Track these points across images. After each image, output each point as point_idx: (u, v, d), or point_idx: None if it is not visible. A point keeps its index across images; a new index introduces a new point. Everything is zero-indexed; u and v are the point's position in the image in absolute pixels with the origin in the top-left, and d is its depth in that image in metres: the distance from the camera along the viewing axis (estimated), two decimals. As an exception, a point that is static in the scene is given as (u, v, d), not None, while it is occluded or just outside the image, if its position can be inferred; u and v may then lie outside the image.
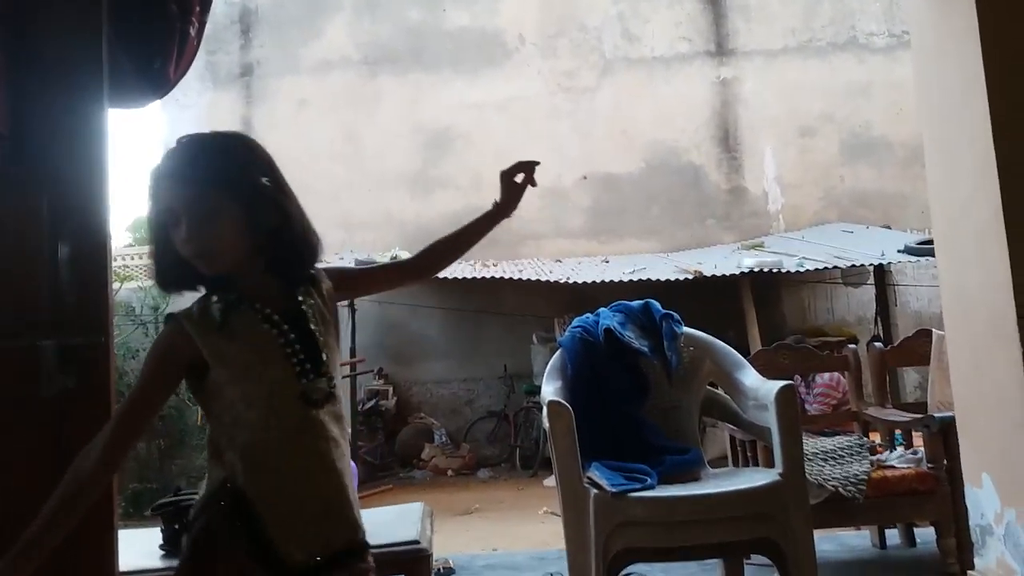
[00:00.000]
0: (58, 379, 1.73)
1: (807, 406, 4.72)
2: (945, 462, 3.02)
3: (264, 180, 1.34)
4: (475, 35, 9.03)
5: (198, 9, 2.02)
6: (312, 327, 1.40)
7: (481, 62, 8.98)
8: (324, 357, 1.39)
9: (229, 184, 1.31)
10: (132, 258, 8.76)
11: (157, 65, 1.95)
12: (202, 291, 1.39)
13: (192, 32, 2.01)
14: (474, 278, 7.21)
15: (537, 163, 1.60)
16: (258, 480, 1.33)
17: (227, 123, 8.71)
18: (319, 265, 1.46)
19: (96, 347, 1.75)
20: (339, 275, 1.53)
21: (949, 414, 2.88)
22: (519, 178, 1.61)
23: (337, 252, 7.49)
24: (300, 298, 1.42)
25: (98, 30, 1.81)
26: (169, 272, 1.36)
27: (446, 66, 8.95)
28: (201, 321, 1.36)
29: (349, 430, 1.42)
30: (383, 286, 1.72)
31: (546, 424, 2.69)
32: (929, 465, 3.07)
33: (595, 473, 2.61)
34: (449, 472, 7.80)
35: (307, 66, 8.95)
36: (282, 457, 1.35)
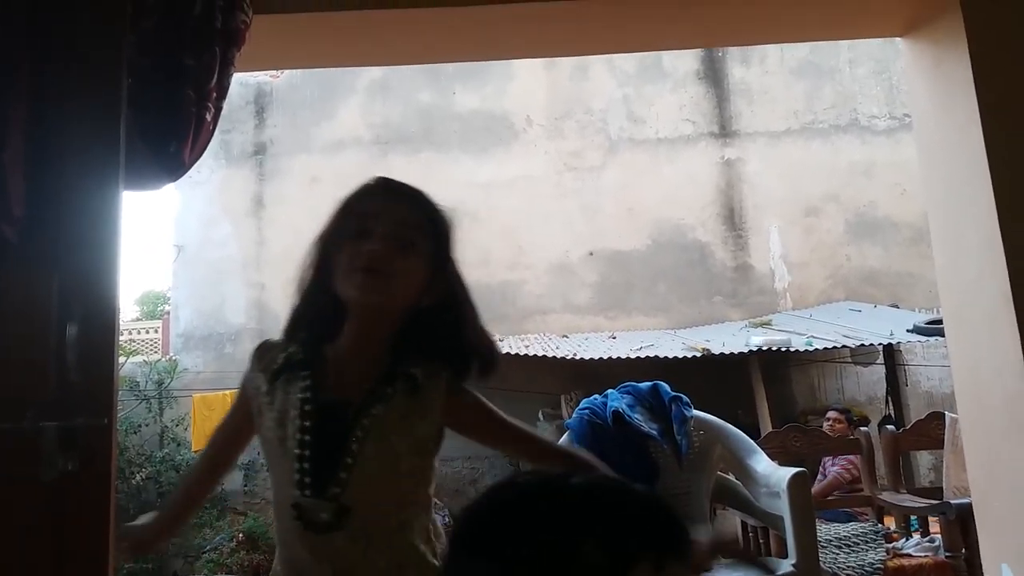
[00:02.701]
0: (58, 461, 1.70)
1: (829, 468, 4.70)
2: (964, 551, 2.93)
3: (454, 262, 1.26)
4: (484, 117, 9.22)
5: (215, 95, 2.06)
6: (355, 438, 1.16)
7: (489, 142, 9.15)
8: (343, 477, 1.15)
9: (435, 239, 1.23)
10: (139, 332, 8.77)
11: (172, 149, 1.97)
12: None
13: (208, 117, 2.04)
14: (480, 354, 7.16)
15: None
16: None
17: (239, 199, 8.85)
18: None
19: (99, 429, 1.73)
20: (477, 408, 1.33)
21: (966, 500, 2.80)
22: None
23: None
24: (378, 403, 1.18)
25: (116, 115, 1.85)
26: (311, 299, 1.22)
27: (455, 146, 9.12)
28: (265, 360, 1.21)
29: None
30: (501, 444, 1.49)
31: (553, 509, 2.62)
32: (947, 554, 2.98)
33: (603, 561, 2.54)
34: (453, 554, 7.57)
35: (319, 145, 9.13)
36: (281, 562, 1.21)
